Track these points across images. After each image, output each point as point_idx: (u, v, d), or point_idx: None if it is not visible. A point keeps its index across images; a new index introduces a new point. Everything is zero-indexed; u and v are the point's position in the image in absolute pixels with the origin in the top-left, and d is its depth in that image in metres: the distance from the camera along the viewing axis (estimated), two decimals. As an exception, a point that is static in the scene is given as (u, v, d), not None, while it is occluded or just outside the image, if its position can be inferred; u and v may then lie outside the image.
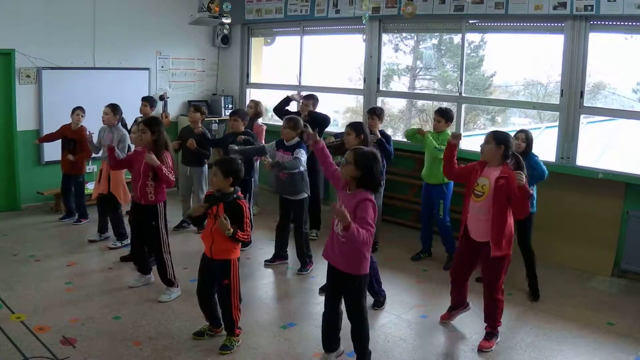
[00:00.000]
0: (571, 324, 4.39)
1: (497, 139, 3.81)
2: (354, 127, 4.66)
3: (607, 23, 5.48)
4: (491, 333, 4.00)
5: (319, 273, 5.08)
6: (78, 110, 6.33)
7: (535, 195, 4.88)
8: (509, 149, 3.82)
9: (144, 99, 6.67)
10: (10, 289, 4.63)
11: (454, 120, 5.76)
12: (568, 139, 5.76)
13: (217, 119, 8.59)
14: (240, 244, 3.76)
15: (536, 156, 4.88)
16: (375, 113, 5.74)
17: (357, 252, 3.27)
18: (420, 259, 5.75)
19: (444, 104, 6.48)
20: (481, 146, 3.94)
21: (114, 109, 5.77)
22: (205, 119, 8.28)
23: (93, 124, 6.15)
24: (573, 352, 3.97)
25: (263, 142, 6.27)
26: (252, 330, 4.08)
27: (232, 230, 3.53)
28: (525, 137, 4.84)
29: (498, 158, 3.81)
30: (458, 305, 4.32)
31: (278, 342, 3.98)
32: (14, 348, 3.66)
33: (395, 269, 5.49)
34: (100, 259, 5.54)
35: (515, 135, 4.91)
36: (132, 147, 5.65)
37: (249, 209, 5.85)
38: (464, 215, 4.00)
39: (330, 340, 3.58)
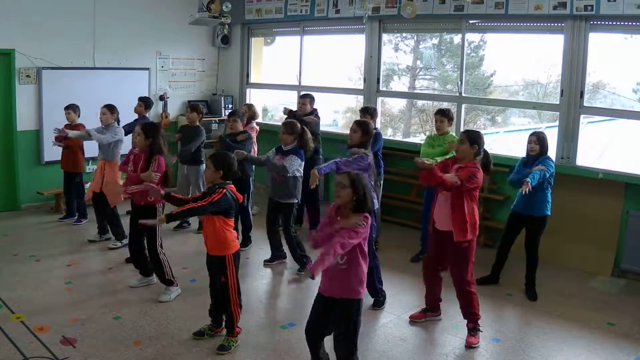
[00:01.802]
0: (571, 324, 4.39)
1: (470, 138, 3.95)
2: (360, 125, 4.61)
3: (607, 23, 5.48)
4: (474, 328, 4.04)
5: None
6: (66, 110, 6.37)
7: (549, 199, 4.88)
8: (480, 148, 3.97)
9: (140, 99, 6.68)
10: (10, 289, 4.63)
11: (454, 120, 5.76)
12: (568, 139, 5.76)
13: (217, 119, 8.59)
14: (235, 239, 3.83)
15: (549, 159, 4.84)
16: (368, 112, 5.73)
17: (356, 276, 3.14)
18: (419, 260, 5.74)
19: (444, 104, 6.50)
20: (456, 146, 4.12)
21: (110, 109, 5.86)
22: (205, 119, 8.35)
23: (93, 124, 6.13)
24: (573, 352, 3.97)
25: (255, 142, 6.36)
26: (252, 330, 4.08)
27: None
28: (537, 139, 4.83)
29: (470, 157, 3.96)
30: (433, 306, 4.35)
31: (278, 342, 3.98)
32: (14, 348, 3.66)
33: (396, 269, 5.49)
34: (100, 259, 5.55)
35: (528, 139, 4.91)
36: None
37: (248, 205, 5.90)
38: (433, 210, 4.11)
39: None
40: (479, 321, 4.07)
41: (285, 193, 5.16)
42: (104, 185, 5.66)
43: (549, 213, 4.89)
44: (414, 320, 4.33)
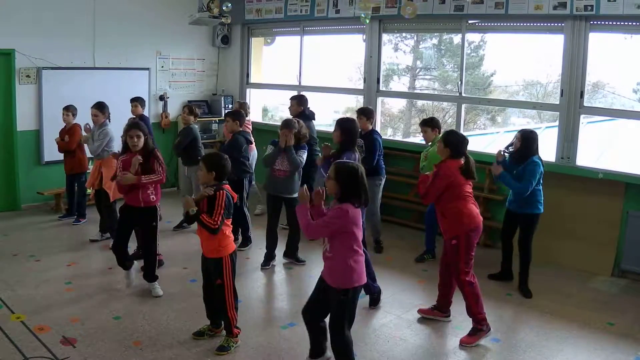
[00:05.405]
0: (571, 324, 4.38)
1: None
2: (338, 123, 4.78)
3: (607, 23, 5.47)
4: (475, 328, 4.03)
5: (318, 273, 5.07)
6: (64, 110, 6.41)
7: (541, 198, 4.90)
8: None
9: (134, 100, 6.68)
10: (10, 289, 4.64)
11: (441, 125, 5.76)
12: (568, 139, 5.76)
13: (217, 118, 8.59)
14: (232, 241, 3.83)
15: (533, 163, 4.80)
16: (362, 114, 5.79)
17: (342, 266, 3.25)
18: (424, 260, 5.73)
19: (444, 104, 6.50)
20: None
21: (101, 109, 5.81)
22: (205, 119, 8.38)
23: (92, 124, 6.13)
24: (573, 352, 3.97)
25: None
26: (252, 330, 4.08)
27: (195, 209, 3.59)
28: (521, 137, 4.84)
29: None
30: (442, 306, 4.36)
31: (278, 342, 3.98)
32: (14, 348, 3.66)
33: (396, 269, 5.49)
34: (100, 259, 5.55)
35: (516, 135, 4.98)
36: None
37: (243, 206, 5.87)
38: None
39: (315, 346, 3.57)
40: (484, 321, 4.03)
41: (291, 188, 5.21)
42: (103, 183, 5.67)
43: (540, 211, 4.92)
44: (421, 314, 4.38)
